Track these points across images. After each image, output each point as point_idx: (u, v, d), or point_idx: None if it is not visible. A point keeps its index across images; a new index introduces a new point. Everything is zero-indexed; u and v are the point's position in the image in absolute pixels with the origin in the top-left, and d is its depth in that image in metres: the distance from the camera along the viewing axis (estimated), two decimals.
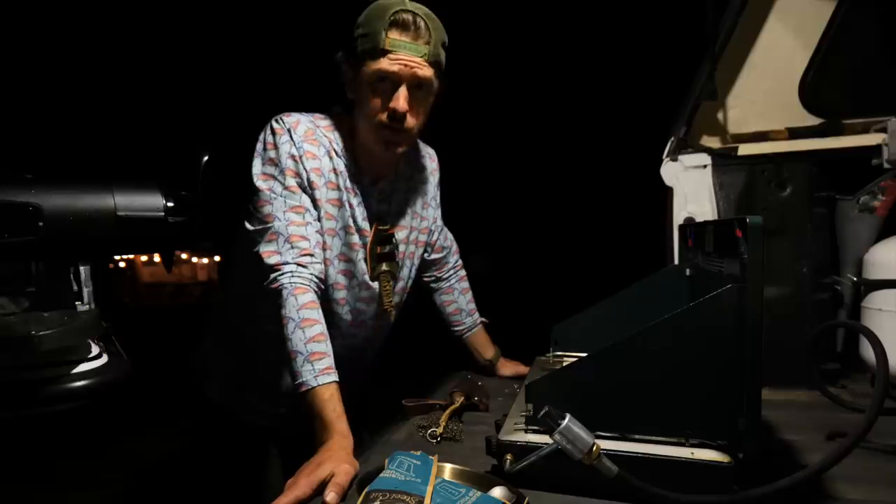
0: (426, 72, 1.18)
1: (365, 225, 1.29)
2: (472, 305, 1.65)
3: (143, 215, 0.86)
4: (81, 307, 0.97)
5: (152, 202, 0.87)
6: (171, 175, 0.93)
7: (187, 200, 0.91)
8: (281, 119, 1.23)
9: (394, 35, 1.15)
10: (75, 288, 0.97)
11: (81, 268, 0.97)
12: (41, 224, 0.79)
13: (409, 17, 1.15)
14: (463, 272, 1.65)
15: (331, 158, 1.25)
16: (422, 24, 1.16)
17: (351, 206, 1.27)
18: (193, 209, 0.91)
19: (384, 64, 1.15)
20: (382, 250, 1.32)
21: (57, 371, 0.85)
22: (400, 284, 1.42)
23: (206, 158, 0.96)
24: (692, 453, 0.87)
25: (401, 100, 1.17)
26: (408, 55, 1.15)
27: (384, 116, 1.19)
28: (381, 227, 1.32)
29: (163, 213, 0.87)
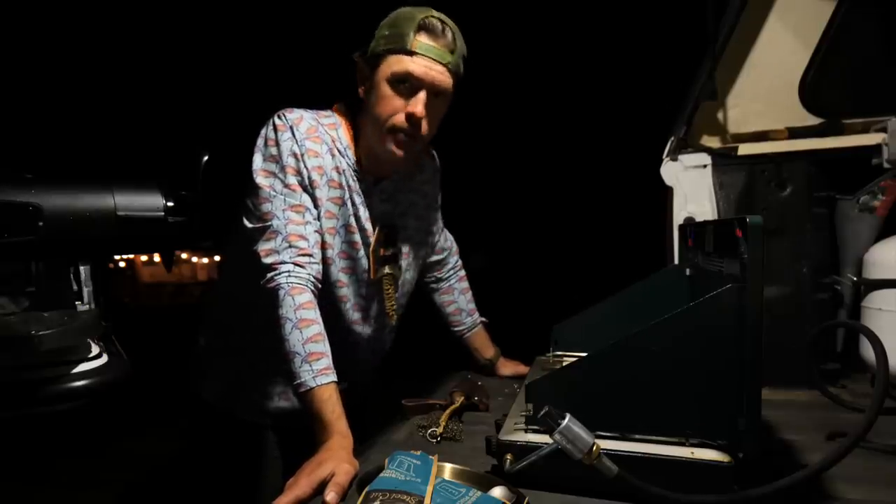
0: (447, 81, 1.18)
1: (368, 225, 1.28)
2: (472, 305, 1.65)
3: (143, 215, 0.86)
4: (81, 307, 0.97)
5: (152, 202, 0.87)
6: (171, 175, 0.93)
7: (187, 200, 0.91)
8: (283, 115, 1.21)
9: (422, 38, 1.15)
10: (75, 288, 0.96)
11: (81, 268, 0.97)
12: (41, 224, 0.79)
13: (438, 23, 1.16)
14: (463, 272, 1.65)
15: (333, 156, 1.23)
16: (449, 33, 1.17)
17: (354, 204, 1.26)
18: (193, 209, 0.91)
19: (408, 64, 1.15)
20: (386, 252, 1.31)
21: (57, 371, 0.85)
22: (404, 288, 1.41)
23: (206, 158, 0.96)
24: (692, 453, 0.87)
25: (419, 105, 1.16)
26: (433, 59, 1.15)
27: (400, 119, 1.18)
28: (384, 229, 1.31)
29: (163, 213, 0.87)
